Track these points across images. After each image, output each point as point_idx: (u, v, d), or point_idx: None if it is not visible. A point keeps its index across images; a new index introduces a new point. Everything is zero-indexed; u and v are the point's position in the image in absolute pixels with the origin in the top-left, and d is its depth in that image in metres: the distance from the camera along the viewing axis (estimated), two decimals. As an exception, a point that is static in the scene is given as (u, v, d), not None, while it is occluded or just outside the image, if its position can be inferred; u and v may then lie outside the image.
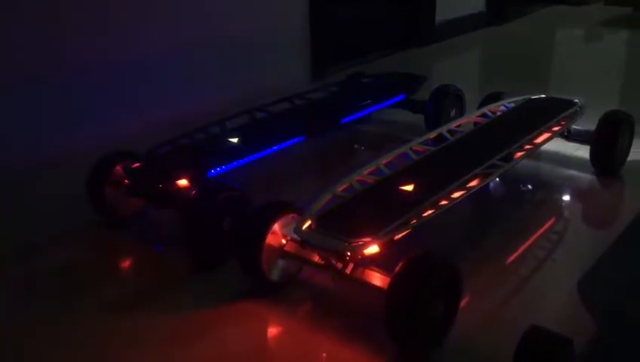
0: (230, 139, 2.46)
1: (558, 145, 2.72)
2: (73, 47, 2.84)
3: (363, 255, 1.66)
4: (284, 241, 1.82)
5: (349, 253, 1.66)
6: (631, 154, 2.68)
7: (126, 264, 2.20)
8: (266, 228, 1.80)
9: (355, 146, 3.12)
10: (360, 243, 1.65)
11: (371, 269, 1.68)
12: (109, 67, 2.99)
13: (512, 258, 2.09)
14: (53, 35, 2.75)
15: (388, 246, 1.69)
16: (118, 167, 2.23)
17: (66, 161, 2.67)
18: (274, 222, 1.81)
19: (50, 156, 2.70)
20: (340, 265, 1.69)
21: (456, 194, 1.93)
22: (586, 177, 2.64)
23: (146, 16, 3.12)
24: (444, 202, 1.89)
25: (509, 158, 2.22)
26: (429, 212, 1.82)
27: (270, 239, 1.80)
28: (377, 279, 1.65)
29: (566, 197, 2.60)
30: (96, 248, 2.20)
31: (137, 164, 2.25)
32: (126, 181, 2.22)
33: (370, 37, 4.67)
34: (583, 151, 2.68)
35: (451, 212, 1.89)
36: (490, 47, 5.32)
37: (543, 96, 2.87)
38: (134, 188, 2.22)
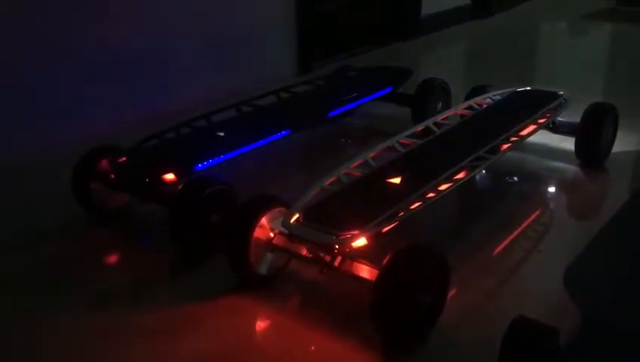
0: (217, 133, 2.45)
1: (544, 137, 2.73)
2: (64, 37, 2.83)
3: (351, 248, 1.67)
4: (272, 235, 1.82)
5: (336, 246, 1.66)
6: (615, 145, 2.71)
7: (114, 259, 2.18)
8: (253, 221, 1.79)
9: (342, 140, 3.12)
10: (348, 236, 1.66)
11: (359, 262, 1.68)
12: (96, 61, 2.97)
13: (498, 249, 2.10)
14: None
15: (375, 239, 1.69)
16: (104, 162, 2.22)
17: (51, 155, 2.65)
18: (262, 215, 1.81)
19: (35, 151, 2.68)
20: (328, 258, 1.70)
21: (443, 187, 1.94)
22: (572, 169, 2.66)
23: (131, 14, 3.10)
24: (431, 194, 1.89)
25: (495, 151, 2.23)
26: (417, 204, 1.83)
27: (258, 233, 1.80)
28: (365, 271, 1.66)
29: (552, 189, 2.61)
30: (82, 244, 2.18)
31: (123, 159, 2.24)
32: (112, 176, 2.20)
33: (357, 31, 4.67)
34: (568, 143, 2.70)
35: (438, 204, 1.90)
36: (476, 40, 5.34)
37: (529, 88, 2.89)
38: (120, 183, 2.20)
